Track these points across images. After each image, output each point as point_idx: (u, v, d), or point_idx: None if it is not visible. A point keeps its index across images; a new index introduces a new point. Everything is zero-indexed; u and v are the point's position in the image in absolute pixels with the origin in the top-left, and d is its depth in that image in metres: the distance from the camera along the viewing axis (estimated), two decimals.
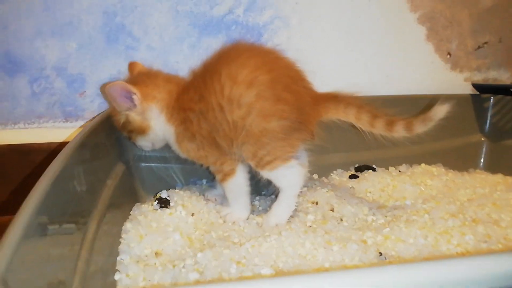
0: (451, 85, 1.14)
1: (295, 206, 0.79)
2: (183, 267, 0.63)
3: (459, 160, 1.09)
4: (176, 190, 0.89)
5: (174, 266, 0.63)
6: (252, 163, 0.75)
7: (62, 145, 0.92)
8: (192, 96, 0.75)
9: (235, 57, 0.72)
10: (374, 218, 0.82)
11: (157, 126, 0.77)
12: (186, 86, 0.78)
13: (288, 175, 0.76)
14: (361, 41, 1.04)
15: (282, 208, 0.78)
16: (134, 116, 0.76)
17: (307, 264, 0.65)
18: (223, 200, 0.86)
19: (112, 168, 0.79)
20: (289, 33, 1.00)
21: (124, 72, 0.94)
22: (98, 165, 0.72)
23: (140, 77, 0.80)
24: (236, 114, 0.71)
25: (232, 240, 0.72)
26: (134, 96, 0.74)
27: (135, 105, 0.75)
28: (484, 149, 1.12)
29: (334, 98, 0.77)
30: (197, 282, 0.58)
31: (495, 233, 0.72)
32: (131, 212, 0.79)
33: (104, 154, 0.77)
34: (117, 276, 0.61)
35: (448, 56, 1.11)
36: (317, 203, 0.85)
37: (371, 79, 1.08)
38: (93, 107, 0.95)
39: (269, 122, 0.70)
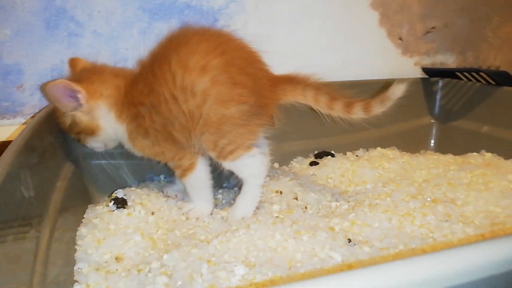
0: (402, 69, 1.17)
1: (260, 197, 0.77)
2: (149, 271, 0.59)
3: (411, 142, 1.13)
4: (132, 188, 0.83)
5: (139, 271, 0.59)
6: (213, 154, 0.72)
7: (2, 145, 0.83)
8: (142, 89, 0.70)
9: (184, 43, 0.68)
10: (338, 204, 0.82)
11: (107, 125, 0.72)
12: (135, 78, 0.72)
13: (251, 165, 0.73)
14: (317, 26, 1.03)
15: (247, 200, 0.75)
16: (81, 116, 0.70)
17: (279, 256, 0.63)
18: (184, 195, 0.82)
19: (60, 168, 0.72)
20: (245, 18, 0.96)
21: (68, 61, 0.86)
22: (46, 166, 0.65)
23: (84, 73, 0.73)
24: (191, 103, 0.66)
25: (198, 238, 0.69)
26: (79, 95, 0.68)
27: (80, 105, 0.69)
28: (434, 131, 1.16)
29: (291, 80, 0.75)
30: (167, 286, 0.55)
31: (453, 211, 0.75)
32: (84, 216, 0.73)
33: (51, 154, 0.70)
34: (76, 287, 0.55)
35: (400, 41, 1.14)
36: (281, 193, 0.84)
37: (327, 64, 1.08)
38: (33, 101, 0.86)
39: (227, 108, 0.67)
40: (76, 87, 0.67)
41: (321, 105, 0.74)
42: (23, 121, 0.86)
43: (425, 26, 1.15)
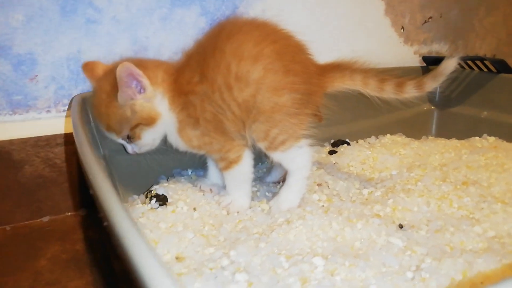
0: (404, 57, 1.20)
1: (305, 188, 0.76)
2: (223, 268, 0.56)
3: (414, 129, 1.18)
4: (166, 184, 0.79)
5: (211, 269, 0.56)
6: (264, 145, 0.70)
7: (11, 142, 0.75)
8: (191, 77, 0.67)
9: (236, 31, 0.66)
10: (369, 191, 0.84)
11: (164, 112, 0.68)
12: (180, 68, 0.69)
13: (300, 156, 0.73)
14: (330, 15, 1.03)
15: (293, 191, 0.74)
16: (143, 104, 0.65)
17: (341, 245, 0.63)
18: (220, 189, 0.79)
19: None
20: (264, 5, 0.94)
21: (86, 50, 0.79)
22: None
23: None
24: (246, 93, 0.65)
25: (252, 232, 0.67)
26: (143, 80, 0.63)
27: (141, 91, 0.64)
28: (434, 117, 1.21)
29: (338, 67, 0.75)
30: (250, 284, 0.53)
31: (485, 192, 0.79)
32: None
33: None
34: None
35: (402, 30, 1.17)
36: (320, 184, 0.84)
37: (339, 53, 1.08)
38: (48, 93, 0.78)
39: (280, 96, 0.66)
40: (138, 70, 0.62)
41: (370, 87, 0.74)
42: (37, 116, 0.78)
43: (423, 16, 1.19)
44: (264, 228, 0.69)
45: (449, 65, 0.73)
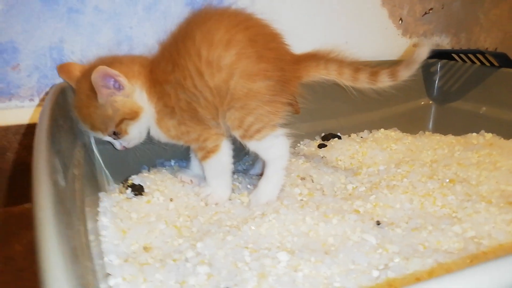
0: (402, 50, 1.17)
1: (284, 180, 0.75)
2: (186, 260, 0.56)
3: (411, 124, 1.15)
4: (145, 174, 0.79)
5: (174, 260, 0.56)
6: (239, 133, 0.70)
7: None
8: (165, 67, 0.68)
9: (207, 19, 0.67)
10: (354, 186, 0.82)
11: (144, 105, 0.69)
12: (155, 59, 0.70)
13: (276, 145, 0.72)
14: (323, 6, 1.01)
15: (272, 183, 0.73)
16: (123, 99, 0.66)
17: (312, 241, 0.62)
18: (200, 181, 0.79)
19: (73, 155, 0.67)
20: None
21: (68, 39, 0.79)
22: (64, 153, 0.60)
23: (102, 62, 0.68)
24: (217, 78, 0.65)
25: (225, 224, 0.66)
26: (119, 78, 0.65)
27: (119, 89, 0.66)
28: (432, 112, 1.18)
29: (313, 57, 0.75)
30: (210, 276, 0.52)
31: (471, 191, 0.77)
32: (100, 204, 0.68)
33: (65, 140, 0.65)
34: (112, 281, 0.51)
35: (400, 21, 1.13)
36: (304, 178, 0.83)
37: (332, 44, 1.06)
38: (31, 82, 0.79)
39: (254, 82, 0.66)
40: (114, 70, 0.64)
41: (345, 77, 0.73)
42: (20, 104, 0.79)
43: (423, 7, 1.16)
44: (238, 221, 0.68)
45: (422, 53, 0.72)
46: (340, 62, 0.73)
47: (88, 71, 0.67)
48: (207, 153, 0.72)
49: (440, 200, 0.74)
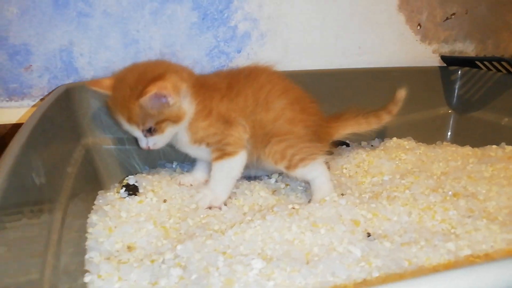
0: (420, 57, 1.13)
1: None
2: (163, 262, 0.57)
3: (428, 133, 1.10)
4: (143, 175, 0.81)
5: (152, 261, 0.57)
6: (283, 165, 0.75)
7: (5, 127, 0.81)
8: (216, 82, 0.76)
9: (269, 70, 0.80)
10: (355, 195, 0.80)
11: (187, 108, 0.71)
12: (203, 76, 0.80)
13: (318, 168, 0.78)
14: (334, 10, 0.99)
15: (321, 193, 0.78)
16: (170, 108, 0.68)
17: (296, 249, 0.61)
18: (200, 186, 0.79)
19: (71, 153, 0.70)
20: (260, 0, 0.92)
21: (77, 42, 0.83)
22: (57, 152, 0.63)
23: (152, 70, 0.70)
24: (265, 115, 0.75)
25: (212, 228, 0.67)
26: (168, 98, 0.66)
27: (170, 104, 0.67)
28: (451, 122, 1.13)
29: (340, 117, 0.88)
30: (181, 278, 0.53)
31: (476, 206, 0.72)
32: (95, 202, 0.71)
33: (62, 138, 0.68)
34: (87, 278, 0.53)
35: (418, 27, 1.09)
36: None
37: (343, 50, 1.04)
38: (42, 83, 0.83)
39: (295, 126, 0.76)
40: (165, 91, 0.65)
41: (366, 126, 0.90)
42: (32, 103, 0.83)
43: (445, 12, 1.11)
44: (227, 225, 0.68)
45: (402, 93, 0.92)
46: (362, 115, 0.89)
47: (131, 70, 0.71)
48: (223, 155, 0.73)
49: (440, 214, 0.71)
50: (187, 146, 0.75)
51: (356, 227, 0.68)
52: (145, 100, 0.65)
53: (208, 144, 0.74)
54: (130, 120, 0.68)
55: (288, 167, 0.75)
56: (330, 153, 0.84)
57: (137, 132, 0.69)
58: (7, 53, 0.79)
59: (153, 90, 0.64)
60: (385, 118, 0.90)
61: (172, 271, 0.54)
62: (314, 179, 0.78)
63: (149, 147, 0.71)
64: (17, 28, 0.78)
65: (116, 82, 0.71)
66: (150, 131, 0.69)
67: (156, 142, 0.71)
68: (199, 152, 0.77)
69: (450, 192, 0.77)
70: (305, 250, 0.62)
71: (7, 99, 0.82)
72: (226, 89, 0.75)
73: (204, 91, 0.73)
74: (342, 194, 0.77)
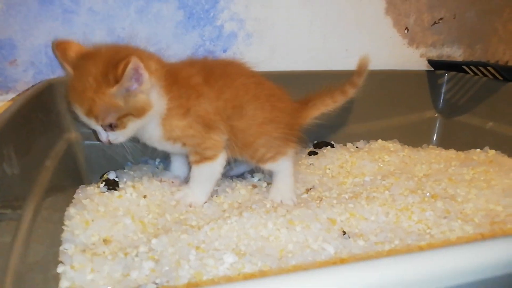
0: (408, 60, 1.14)
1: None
2: (136, 255, 0.57)
3: (414, 136, 1.11)
4: (125, 170, 0.82)
5: (126, 254, 0.57)
6: (254, 161, 0.78)
7: None
8: (190, 76, 0.72)
9: (244, 70, 0.80)
10: (335, 195, 0.81)
11: (155, 102, 0.67)
12: (175, 65, 0.75)
13: (285, 162, 0.80)
14: (321, 12, 1.00)
15: (285, 185, 0.80)
16: (139, 95, 0.63)
17: (270, 246, 0.62)
18: (181, 183, 0.80)
19: (51, 147, 0.70)
20: (247, 1, 0.93)
21: (63, 38, 0.83)
22: (34, 144, 0.63)
23: (116, 52, 0.65)
24: (239, 123, 0.75)
25: (189, 223, 0.67)
26: (143, 72, 0.61)
27: (140, 83, 0.63)
28: (437, 125, 1.14)
29: (307, 101, 0.87)
30: (153, 271, 0.53)
31: (453, 208, 0.73)
32: (74, 196, 0.71)
33: (42, 132, 0.68)
34: (60, 269, 0.54)
35: (406, 31, 1.10)
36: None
37: (330, 52, 1.05)
38: (27, 77, 0.83)
39: (267, 126, 0.77)
40: (140, 63, 0.60)
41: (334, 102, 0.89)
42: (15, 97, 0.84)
43: (432, 17, 1.12)
44: (205, 221, 0.68)
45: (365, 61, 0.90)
46: (327, 93, 0.88)
47: (95, 54, 0.64)
48: (202, 159, 0.73)
49: (417, 215, 0.71)
50: (158, 141, 0.72)
51: (333, 225, 0.69)
52: (131, 67, 0.59)
53: (184, 144, 0.72)
54: (89, 113, 0.63)
55: (259, 162, 0.78)
56: (301, 141, 0.85)
57: (96, 126, 0.65)
58: None
59: (137, 59, 0.59)
60: (350, 92, 0.89)
61: (144, 264, 0.54)
62: (279, 172, 0.80)
63: (109, 141, 0.67)
64: (3, 23, 0.79)
65: (78, 66, 0.65)
66: (110, 126, 0.65)
67: (117, 137, 0.67)
68: (170, 148, 0.75)
69: (428, 194, 0.77)
70: (279, 247, 0.62)
71: None
72: (202, 87, 0.72)
73: (178, 87, 0.69)
74: (308, 190, 0.82)
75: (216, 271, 0.52)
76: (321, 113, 0.88)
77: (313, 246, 0.62)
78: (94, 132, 0.69)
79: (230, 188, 0.81)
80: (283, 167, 0.79)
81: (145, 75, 0.62)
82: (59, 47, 0.68)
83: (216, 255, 0.56)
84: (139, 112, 0.65)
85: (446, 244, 0.63)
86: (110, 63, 0.61)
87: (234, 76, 0.77)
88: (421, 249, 0.62)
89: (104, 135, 0.67)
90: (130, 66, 0.59)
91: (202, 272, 0.51)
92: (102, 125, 0.65)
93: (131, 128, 0.67)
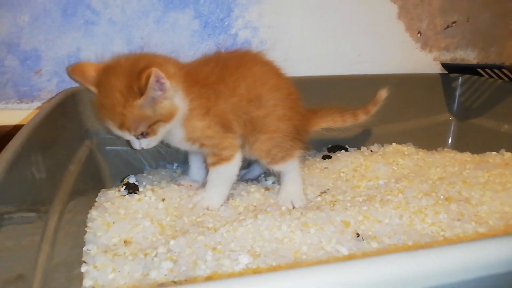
0: (421, 64, 1.14)
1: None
2: (155, 255, 0.59)
3: (428, 139, 1.11)
4: (144, 174, 0.85)
5: (145, 255, 0.60)
6: (266, 161, 0.79)
7: (16, 128, 0.85)
8: (207, 75, 0.73)
9: (260, 60, 0.80)
10: (349, 198, 0.82)
11: (180, 104, 0.68)
12: (192, 65, 0.75)
13: (294, 163, 0.82)
14: (333, 19, 1.02)
15: (294, 186, 0.82)
16: (164, 102, 0.65)
17: (285, 247, 0.63)
18: (199, 187, 0.82)
19: (74, 152, 0.73)
20: (260, 9, 0.95)
21: (84, 48, 0.87)
22: (59, 150, 0.66)
23: (134, 62, 0.67)
24: (258, 112, 0.75)
25: (206, 226, 0.69)
26: (164, 81, 0.63)
27: (162, 90, 0.64)
28: (452, 128, 1.13)
29: (317, 112, 0.89)
30: (171, 271, 0.55)
31: (467, 211, 0.73)
32: (96, 199, 0.74)
33: (66, 138, 0.71)
34: (83, 268, 0.56)
35: (419, 35, 1.11)
36: None
37: (343, 58, 1.06)
38: (51, 86, 0.87)
39: (283, 122, 0.77)
40: (162, 73, 0.62)
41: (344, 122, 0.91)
42: (41, 106, 0.87)
43: (445, 21, 1.12)
44: (221, 223, 0.70)
45: (383, 93, 0.92)
46: (339, 111, 0.89)
47: (116, 68, 0.66)
48: (220, 160, 0.74)
49: (430, 217, 0.72)
50: (179, 142, 0.74)
51: (346, 228, 0.70)
52: (153, 79, 0.61)
53: (202, 145, 0.73)
54: (122, 126, 0.66)
55: (270, 163, 0.79)
56: (307, 148, 0.86)
57: (129, 137, 0.68)
58: (18, 59, 0.84)
59: (156, 69, 0.61)
60: (362, 118, 0.91)
61: (163, 264, 0.57)
62: (287, 173, 0.81)
63: (143, 147, 0.70)
64: (28, 35, 0.83)
65: (100, 82, 0.67)
66: (142, 134, 0.67)
67: (149, 143, 0.69)
68: (189, 148, 0.76)
69: (442, 196, 0.78)
70: (294, 249, 0.64)
71: (18, 101, 0.87)
72: (219, 84, 0.72)
73: (198, 87, 0.70)
74: (322, 193, 0.83)
75: (231, 271, 0.54)
76: (328, 127, 0.90)
77: (326, 248, 0.63)
78: (127, 141, 0.72)
79: (246, 192, 0.83)
80: (291, 167, 0.81)
81: (167, 83, 0.64)
82: (76, 71, 0.70)
83: (232, 256, 0.57)
84: (167, 117, 0.67)
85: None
86: (132, 75, 0.63)
87: (250, 63, 0.77)
88: None
89: (137, 144, 0.70)
90: (152, 79, 0.61)
91: (218, 272, 0.53)
92: (134, 135, 0.67)
93: (162, 132, 0.69)
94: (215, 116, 0.72)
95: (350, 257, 0.61)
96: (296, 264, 0.56)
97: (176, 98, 0.68)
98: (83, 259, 0.58)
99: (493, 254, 0.33)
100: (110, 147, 0.85)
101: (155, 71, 0.61)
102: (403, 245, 0.65)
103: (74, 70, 0.70)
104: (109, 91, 0.65)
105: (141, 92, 0.62)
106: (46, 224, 0.50)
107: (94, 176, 0.80)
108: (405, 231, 0.70)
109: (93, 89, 0.68)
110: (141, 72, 0.62)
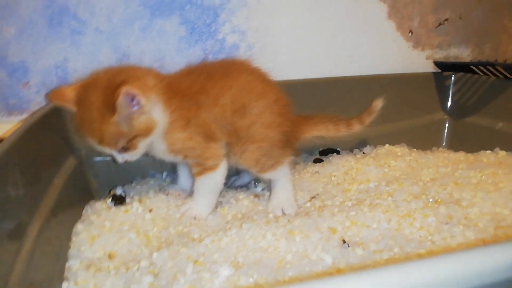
0: (413, 63, 1.13)
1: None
2: (137, 269, 0.59)
3: (423, 139, 1.10)
4: (132, 185, 0.85)
5: (127, 269, 0.60)
6: (255, 170, 0.78)
7: None
8: (189, 86, 0.72)
9: (245, 69, 0.78)
10: (338, 202, 0.81)
11: (158, 118, 0.68)
12: (173, 76, 0.75)
13: (284, 170, 0.81)
14: (322, 20, 1.01)
15: (285, 193, 0.81)
16: (140, 117, 0.65)
17: (269, 256, 0.63)
18: (188, 196, 0.82)
19: (59, 165, 0.73)
20: (248, 13, 0.95)
21: (71, 58, 0.87)
22: (42, 164, 0.66)
23: (112, 76, 0.67)
24: (242, 122, 0.74)
25: (191, 236, 0.69)
26: (139, 98, 0.63)
27: (140, 107, 0.64)
28: (446, 127, 1.12)
29: (308, 120, 0.88)
30: (152, 285, 0.55)
31: (456, 213, 0.72)
32: (83, 212, 0.74)
33: (50, 151, 0.71)
34: (64, 285, 0.56)
35: (410, 34, 1.10)
36: None
37: (334, 59, 1.05)
38: (39, 98, 0.88)
39: (272, 131, 0.76)
40: (136, 90, 0.62)
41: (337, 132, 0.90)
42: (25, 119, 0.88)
43: (437, 18, 1.11)
44: (207, 233, 0.70)
45: (378, 104, 0.92)
46: (333, 120, 0.89)
47: (94, 85, 0.66)
48: (204, 170, 0.74)
49: (419, 221, 0.71)
50: (164, 154, 0.74)
51: (333, 234, 0.69)
52: (122, 98, 0.61)
53: (185, 156, 0.73)
54: (101, 142, 0.66)
55: (259, 172, 0.78)
56: (296, 154, 0.86)
57: (111, 151, 0.68)
58: (6, 71, 0.84)
59: (125, 89, 0.60)
60: (356, 128, 0.91)
61: (144, 278, 0.56)
62: (278, 180, 0.80)
63: (126, 160, 0.70)
64: (15, 47, 0.84)
65: (79, 99, 0.67)
66: (123, 149, 0.67)
67: (131, 156, 0.69)
68: (173, 159, 0.76)
69: (431, 199, 0.77)
70: (278, 258, 0.63)
71: (7, 114, 0.87)
72: (201, 95, 0.71)
73: (178, 98, 0.69)
74: (312, 198, 0.82)
75: (211, 285, 0.54)
76: (321, 135, 0.89)
77: (311, 256, 0.63)
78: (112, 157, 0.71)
79: (235, 199, 0.83)
80: (282, 174, 0.80)
81: (142, 99, 0.64)
82: (55, 97, 0.70)
83: (213, 268, 0.57)
84: (146, 131, 0.67)
85: (445, 251, 0.62)
86: (107, 91, 0.63)
87: (235, 73, 0.76)
88: (419, 257, 0.61)
89: (120, 158, 0.70)
90: (120, 98, 0.61)
91: (196, 286, 0.53)
92: (115, 150, 0.68)
93: (142, 146, 0.69)
94: (197, 127, 0.71)
95: (334, 266, 0.60)
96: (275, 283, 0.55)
97: (155, 111, 0.67)
98: (65, 275, 0.58)
99: (474, 266, 0.33)
100: (99, 158, 0.85)
101: (125, 90, 0.61)
102: (388, 250, 0.64)
103: (53, 96, 0.70)
104: (87, 107, 0.65)
105: (114, 110, 0.62)
106: (21, 242, 0.50)
107: (82, 188, 0.80)
108: (393, 235, 0.69)
109: (74, 107, 0.68)
110: (116, 88, 0.61)
